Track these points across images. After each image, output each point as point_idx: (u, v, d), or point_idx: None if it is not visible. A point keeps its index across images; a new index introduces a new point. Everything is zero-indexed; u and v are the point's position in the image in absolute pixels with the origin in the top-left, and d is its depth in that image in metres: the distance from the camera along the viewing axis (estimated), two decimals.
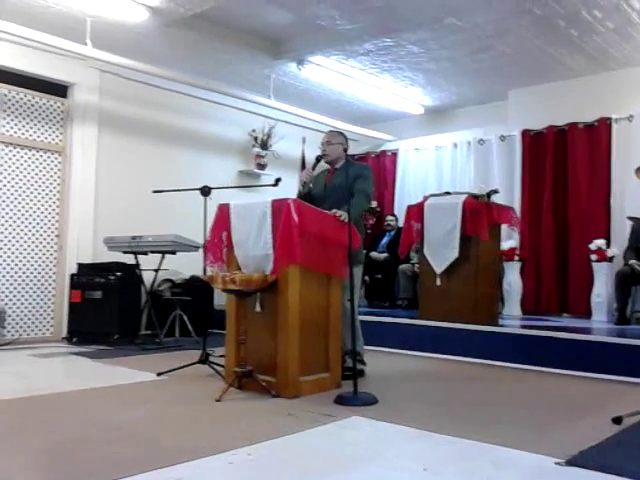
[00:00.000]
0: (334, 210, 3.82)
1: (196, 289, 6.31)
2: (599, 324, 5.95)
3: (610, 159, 6.60)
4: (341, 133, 4.50)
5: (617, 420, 2.93)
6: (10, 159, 5.90)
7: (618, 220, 6.44)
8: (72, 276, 6.02)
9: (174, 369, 4.17)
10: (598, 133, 6.72)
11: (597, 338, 4.64)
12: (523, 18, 5.40)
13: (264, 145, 7.92)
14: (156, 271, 6.01)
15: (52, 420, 2.99)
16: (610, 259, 6.17)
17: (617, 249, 6.21)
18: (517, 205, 7.01)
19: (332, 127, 8.02)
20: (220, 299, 5.82)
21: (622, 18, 5.37)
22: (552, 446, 2.55)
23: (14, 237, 5.91)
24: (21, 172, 5.98)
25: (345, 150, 4.23)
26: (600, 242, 6.21)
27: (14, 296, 5.89)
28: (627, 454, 2.46)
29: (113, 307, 5.81)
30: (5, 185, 5.86)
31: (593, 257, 6.22)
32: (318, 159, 4.24)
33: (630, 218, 6.08)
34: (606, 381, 4.21)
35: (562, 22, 5.46)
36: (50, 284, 6.17)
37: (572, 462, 2.33)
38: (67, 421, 2.97)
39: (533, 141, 7.22)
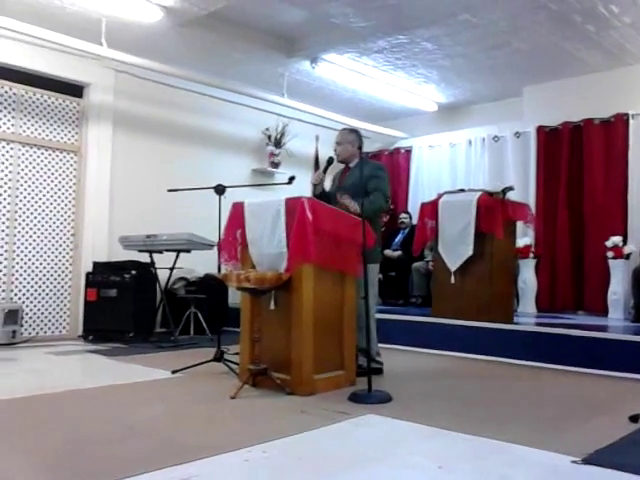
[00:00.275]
0: (345, 196, 3.85)
1: (210, 287, 6.34)
2: (615, 322, 5.90)
3: (627, 155, 6.53)
4: (353, 131, 4.42)
5: (634, 418, 2.91)
6: (27, 159, 5.96)
7: (635, 217, 6.38)
8: (88, 275, 6.07)
9: (189, 367, 4.19)
10: (614, 129, 6.65)
11: (613, 336, 4.61)
12: (538, 14, 5.36)
13: (278, 143, 7.93)
14: (171, 269, 6.06)
15: (68, 417, 3.02)
16: (627, 256, 6.11)
17: (634, 246, 6.15)
18: (532, 202, 6.96)
19: (346, 125, 8.04)
20: (234, 297, 5.84)
21: (639, 13, 5.31)
22: (568, 444, 2.53)
23: (30, 236, 5.97)
24: (37, 172, 6.04)
25: (359, 148, 4.20)
26: (617, 239, 6.15)
27: (31, 294, 5.95)
28: None
29: (128, 305, 5.85)
30: (22, 185, 5.92)
31: (609, 254, 6.16)
32: (329, 161, 4.20)
33: None
34: (622, 379, 4.18)
35: (578, 17, 5.41)
36: (66, 282, 6.23)
37: (588, 461, 2.32)
38: (83, 418, 3.00)
39: (548, 137, 7.17)
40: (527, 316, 6.28)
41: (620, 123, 6.61)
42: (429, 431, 2.79)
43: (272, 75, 7.04)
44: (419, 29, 5.78)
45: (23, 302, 5.86)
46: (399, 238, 7.69)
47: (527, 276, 6.63)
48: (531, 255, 6.65)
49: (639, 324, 5.56)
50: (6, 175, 5.82)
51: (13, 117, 5.87)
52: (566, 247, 6.86)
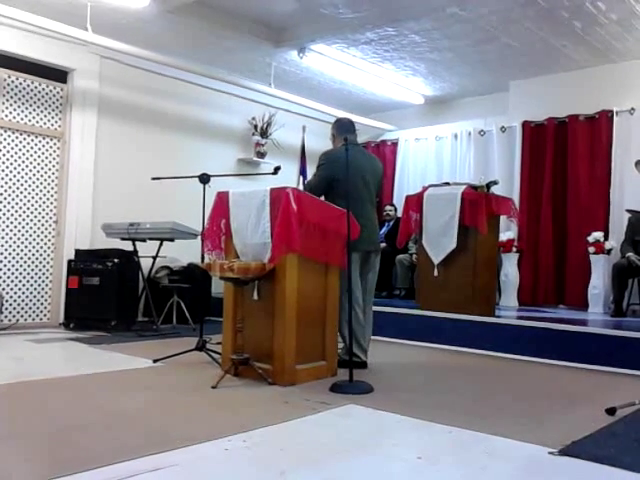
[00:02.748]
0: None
1: (194, 276, 6.31)
2: (595, 316, 5.97)
3: (610, 152, 6.59)
4: (335, 121, 4.51)
5: (611, 411, 2.95)
6: (9, 144, 5.88)
7: (617, 213, 6.45)
8: (70, 262, 6.01)
9: (171, 356, 4.18)
10: (599, 125, 6.71)
11: (593, 330, 4.66)
12: (527, 9, 5.37)
13: (264, 133, 7.89)
14: (154, 258, 6.02)
15: (49, 405, 3.00)
16: (608, 251, 6.18)
17: (615, 242, 6.22)
18: (516, 196, 7.01)
19: (333, 116, 8.03)
20: (218, 287, 5.82)
21: (626, 10, 5.34)
22: (546, 436, 2.57)
23: (12, 222, 5.90)
24: (20, 157, 5.96)
25: (345, 139, 4.16)
26: (598, 234, 6.22)
27: (12, 281, 5.89)
28: (621, 445, 2.47)
29: (110, 293, 5.80)
30: (4, 170, 5.84)
31: (591, 249, 6.22)
32: None
33: (628, 211, 6.09)
34: (601, 372, 4.24)
35: (566, 13, 5.43)
36: (48, 270, 6.17)
37: (565, 452, 2.35)
38: (64, 407, 2.98)
39: (533, 132, 7.21)
40: (509, 310, 6.33)
41: (604, 120, 6.66)
42: (410, 422, 2.81)
43: (259, 64, 7.00)
44: (408, 21, 5.77)
45: (3, 289, 5.80)
46: (384, 230, 7.70)
47: (509, 270, 6.68)
48: (514, 249, 6.70)
49: (618, 319, 5.64)
50: None
51: None
52: (548, 242, 6.92)
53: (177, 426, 2.65)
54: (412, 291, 6.51)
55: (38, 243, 6.09)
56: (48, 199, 6.17)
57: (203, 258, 4.17)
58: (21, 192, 5.96)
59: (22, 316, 5.96)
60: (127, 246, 5.98)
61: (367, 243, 4.13)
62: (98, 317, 5.79)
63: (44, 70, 6.09)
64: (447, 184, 6.13)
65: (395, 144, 8.72)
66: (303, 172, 8.18)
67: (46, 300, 6.15)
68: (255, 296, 3.67)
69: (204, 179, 4.42)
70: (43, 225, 6.14)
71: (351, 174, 3.86)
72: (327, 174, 4.10)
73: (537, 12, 5.42)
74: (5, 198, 5.85)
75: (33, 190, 6.05)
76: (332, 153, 4.22)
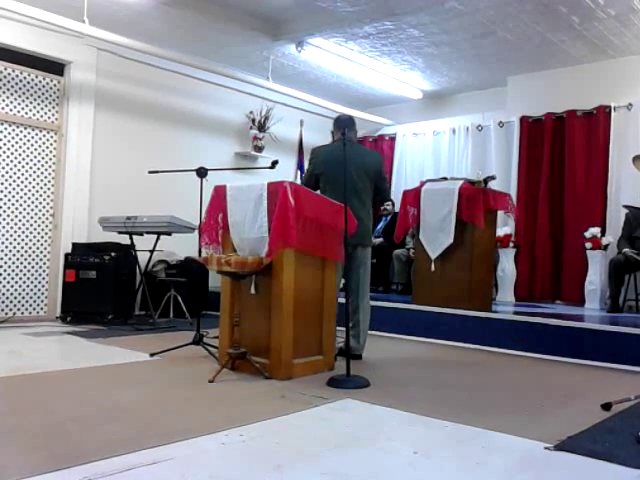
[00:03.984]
0: None
1: (191, 270, 6.31)
2: (592, 312, 5.98)
3: (608, 147, 6.59)
4: (335, 118, 4.52)
5: (606, 406, 2.96)
6: (5, 137, 5.86)
7: (614, 208, 6.46)
8: (67, 255, 6.01)
9: (167, 350, 4.18)
10: (596, 121, 6.71)
11: (589, 325, 4.66)
12: (525, 3, 5.36)
13: (261, 127, 7.88)
14: (151, 252, 6.01)
15: (46, 399, 3.00)
16: (605, 247, 6.19)
17: (612, 237, 6.23)
18: (513, 191, 7.01)
19: (331, 110, 8.03)
20: (215, 281, 5.82)
21: (624, 5, 5.34)
22: (542, 431, 2.58)
23: (9, 215, 5.89)
24: (16, 150, 5.94)
25: (332, 134, 4.33)
26: (595, 230, 6.23)
27: (8, 274, 5.88)
28: (616, 440, 2.48)
29: (107, 287, 5.80)
30: (0, 163, 5.82)
31: (588, 245, 6.23)
32: None
33: (625, 206, 6.10)
34: (597, 368, 4.25)
35: (564, 8, 5.43)
36: (44, 263, 6.16)
37: (561, 447, 2.36)
38: (61, 400, 2.98)
39: (531, 128, 7.22)
40: (505, 305, 6.34)
41: (602, 115, 6.66)
42: (407, 417, 2.81)
43: (257, 58, 6.98)
44: (406, 16, 5.76)
45: (0, 282, 5.79)
46: (381, 225, 7.71)
47: (506, 265, 6.69)
48: (511, 244, 6.71)
49: (615, 314, 5.65)
50: None
51: None
52: (545, 237, 6.94)
53: (174, 420, 2.65)
54: (409, 286, 6.52)
55: (35, 237, 6.08)
56: (45, 192, 6.15)
57: (200, 252, 4.17)
58: (18, 185, 5.94)
59: (19, 309, 5.95)
60: (124, 240, 5.98)
61: (352, 236, 4.03)
62: (95, 311, 5.79)
63: (41, 62, 6.07)
64: (445, 179, 6.13)
65: (393, 139, 8.71)
66: (300, 166, 8.16)
67: (43, 294, 6.14)
68: (252, 290, 3.67)
69: (201, 173, 4.42)
70: (40, 218, 6.12)
71: (331, 169, 4.04)
72: (312, 169, 4.26)
73: (535, 6, 5.42)
74: (2, 191, 5.83)
75: (30, 183, 6.03)
76: (317, 149, 4.35)
